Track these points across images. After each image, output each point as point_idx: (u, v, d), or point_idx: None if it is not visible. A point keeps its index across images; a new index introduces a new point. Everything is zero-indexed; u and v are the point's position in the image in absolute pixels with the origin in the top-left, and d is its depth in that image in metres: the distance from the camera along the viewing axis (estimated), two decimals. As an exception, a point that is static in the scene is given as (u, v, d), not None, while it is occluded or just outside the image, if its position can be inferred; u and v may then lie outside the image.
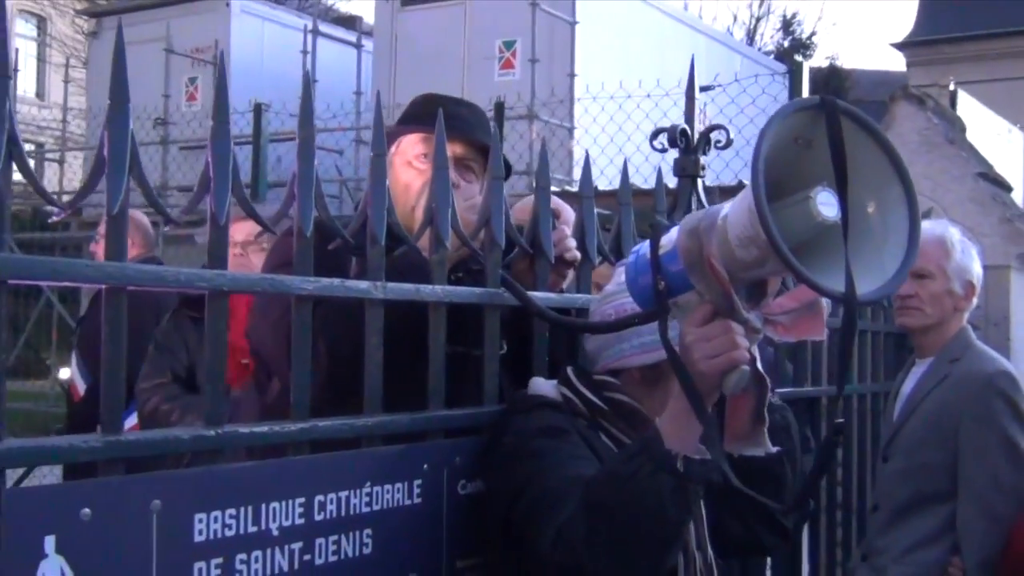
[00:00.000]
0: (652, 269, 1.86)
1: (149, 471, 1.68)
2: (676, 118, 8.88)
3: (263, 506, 1.82)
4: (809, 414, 3.84)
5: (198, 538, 1.72)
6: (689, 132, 3.05)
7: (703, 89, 4.54)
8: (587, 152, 2.68)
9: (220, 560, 1.75)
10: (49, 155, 18.03)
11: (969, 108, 9.61)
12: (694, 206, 3.11)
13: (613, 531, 1.83)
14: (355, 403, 2.08)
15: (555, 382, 2.32)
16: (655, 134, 3.10)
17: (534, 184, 2.54)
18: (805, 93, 5.37)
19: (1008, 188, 5.23)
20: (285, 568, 1.86)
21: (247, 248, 4.07)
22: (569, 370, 2.31)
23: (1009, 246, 4.76)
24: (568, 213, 2.94)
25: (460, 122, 2.60)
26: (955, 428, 3.45)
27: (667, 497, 1.80)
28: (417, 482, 2.13)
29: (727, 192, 4.58)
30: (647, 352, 2.20)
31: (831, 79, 30.01)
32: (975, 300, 3.69)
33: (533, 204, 2.52)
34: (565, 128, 11.95)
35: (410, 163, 2.63)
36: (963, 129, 5.26)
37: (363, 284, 2.04)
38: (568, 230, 2.62)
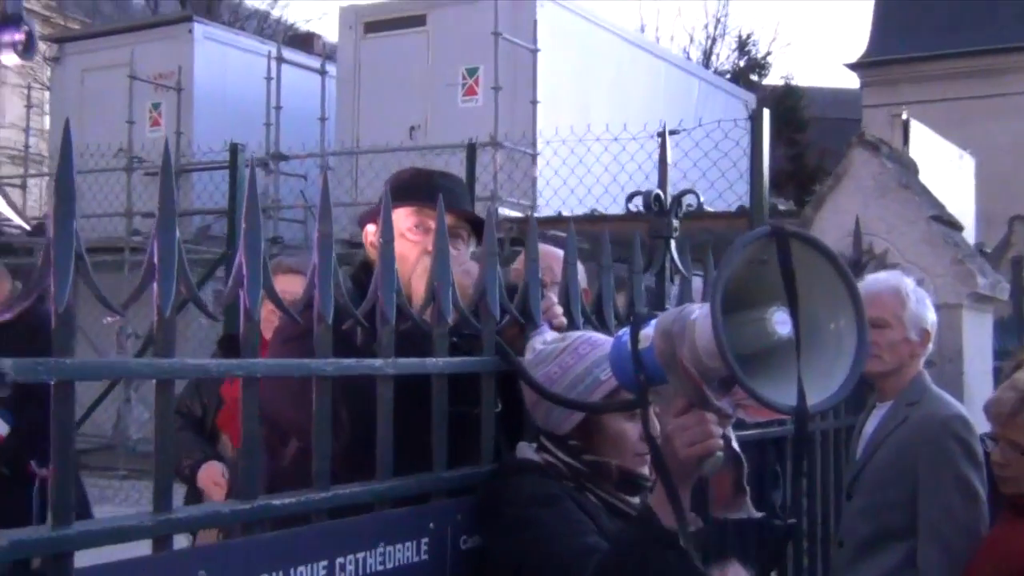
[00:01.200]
0: (633, 363, 2.05)
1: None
2: (635, 152, 9.03)
3: (292, 570, 2.00)
4: (777, 452, 4.05)
5: (237, 603, 1.89)
6: (663, 197, 3.25)
7: (671, 133, 4.73)
8: (571, 222, 2.87)
9: (256, 623, 1.93)
10: (8, 181, 17.86)
11: (921, 137, 9.92)
12: (667, 265, 3.31)
13: None
14: (372, 464, 2.26)
15: (536, 446, 2.51)
16: (630, 197, 3.31)
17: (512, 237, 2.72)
18: (766, 142, 5.58)
19: (959, 228, 5.47)
20: (311, 627, 2.04)
21: None
22: (541, 438, 2.49)
23: (960, 286, 4.99)
24: (558, 269, 3.07)
25: (447, 194, 2.79)
26: (914, 468, 3.65)
27: (676, 568, 2.01)
28: (424, 540, 2.31)
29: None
30: (569, 417, 2.41)
31: (786, 98, 30.43)
32: (931, 346, 3.91)
33: (524, 274, 2.70)
34: (528, 155, 12.17)
35: (403, 235, 2.82)
36: (916, 172, 5.50)
37: (376, 362, 2.22)
38: (555, 297, 2.81)
